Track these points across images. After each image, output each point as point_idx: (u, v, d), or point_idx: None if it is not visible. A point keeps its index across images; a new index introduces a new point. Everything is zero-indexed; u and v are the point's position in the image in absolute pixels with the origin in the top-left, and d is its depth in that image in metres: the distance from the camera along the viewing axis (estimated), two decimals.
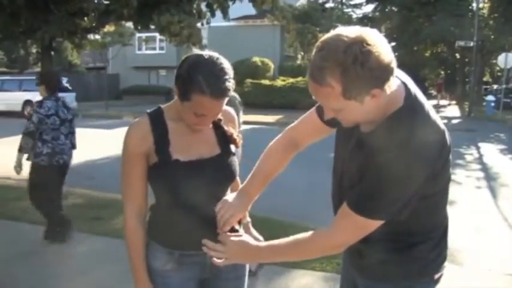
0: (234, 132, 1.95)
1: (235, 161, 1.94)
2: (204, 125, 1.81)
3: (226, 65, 1.74)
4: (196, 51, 1.90)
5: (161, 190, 1.86)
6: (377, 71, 1.35)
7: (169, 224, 1.87)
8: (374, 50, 1.34)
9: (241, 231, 1.85)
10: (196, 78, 1.67)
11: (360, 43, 1.33)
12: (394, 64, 1.40)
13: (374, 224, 1.52)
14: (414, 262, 1.67)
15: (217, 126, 1.92)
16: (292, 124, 1.96)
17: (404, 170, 1.43)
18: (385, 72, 1.38)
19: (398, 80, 1.52)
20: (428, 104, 1.55)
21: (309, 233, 1.64)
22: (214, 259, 1.73)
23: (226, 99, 1.74)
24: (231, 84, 1.72)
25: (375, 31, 1.40)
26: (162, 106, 1.91)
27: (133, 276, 1.88)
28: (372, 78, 1.35)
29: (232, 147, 1.94)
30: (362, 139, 1.56)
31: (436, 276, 1.71)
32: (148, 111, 1.89)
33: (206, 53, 1.76)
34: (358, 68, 1.32)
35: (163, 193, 1.86)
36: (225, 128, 1.93)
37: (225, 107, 1.96)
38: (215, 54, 1.76)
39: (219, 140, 1.91)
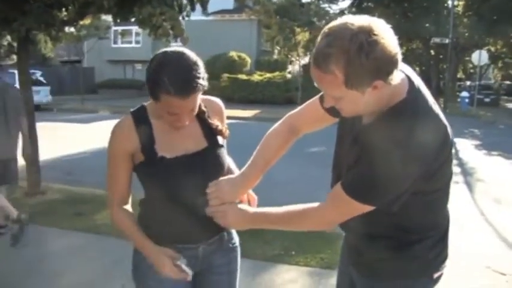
0: (219, 123, 1.92)
1: (224, 152, 1.92)
2: (181, 122, 1.77)
3: (192, 61, 1.70)
4: (175, 45, 1.86)
5: (150, 187, 1.85)
6: (381, 62, 1.33)
7: (159, 219, 1.85)
8: (380, 40, 1.32)
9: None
10: (162, 78, 1.64)
11: (366, 32, 1.32)
12: (399, 57, 1.38)
13: (361, 208, 1.53)
14: (413, 261, 1.67)
15: (202, 119, 1.89)
16: (294, 111, 1.95)
17: (401, 161, 1.41)
18: (390, 64, 1.36)
19: (403, 73, 1.51)
20: (432, 99, 1.54)
21: (303, 206, 1.68)
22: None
23: (197, 95, 1.71)
24: (199, 80, 1.68)
25: (382, 21, 1.38)
26: (145, 104, 1.89)
27: (145, 254, 1.84)
28: (376, 69, 1.34)
29: (220, 139, 1.91)
30: (362, 130, 1.56)
31: (436, 276, 1.70)
32: (132, 110, 1.88)
33: (172, 49, 1.73)
34: (362, 57, 1.31)
35: (152, 190, 1.86)
36: (209, 120, 1.90)
37: (212, 98, 1.97)
38: (181, 51, 1.72)
39: (205, 133, 1.89)
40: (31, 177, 6.34)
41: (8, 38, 7.37)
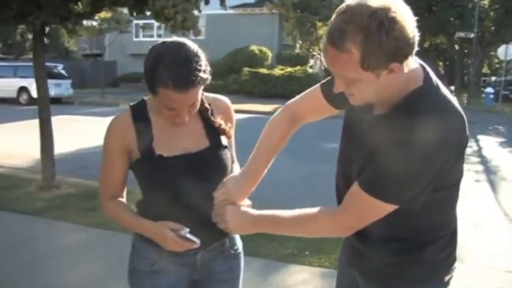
0: (223, 122, 1.80)
1: (227, 154, 1.79)
2: (181, 118, 1.66)
3: (193, 53, 1.59)
4: (192, 39, 1.76)
5: (146, 187, 1.75)
6: (401, 42, 1.25)
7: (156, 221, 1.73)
8: (400, 19, 1.25)
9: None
10: (159, 70, 1.55)
11: (386, 10, 1.24)
12: (416, 40, 1.30)
13: (384, 208, 1.41)
14: (424, 264, 1.56)
15: (205, 117, 1.78)
16: (293, 99, 1.82)
17: (423, 152, 1.31)
18: (408, 46, 1.28)
19: (417, 62, 1.43)
20: (446, 89, 1.44)
21: (316, 210, 1.54)
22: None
23: (197, 89, 1.61)
24: (199, 73, 1.57)
25: (401, 2, 1.29)
26: (146, 98, 1.79)
27: (145, 233, 1.74)
28: (394, 49, 1.25)
29: (224, 140, 1.79)
30: (376, 122, 1.45)
31: (446, 279, 1.60)
32: (132, 104, 1.79)
33: (171, 40, 1.63)
34: (382, 35, 1.23)
35: (148, 190, 1.76)
36: (212, 118, 1.78)
37: (218, 96, 1.86)
38: (181, 41, 1.63)
39: (207, 132, 1.77)
40: (46, 171, 6.33)
41: None
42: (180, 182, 1.68)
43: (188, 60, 1.57)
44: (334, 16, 1.31)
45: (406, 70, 1.32)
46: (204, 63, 1.60)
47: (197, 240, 1.63)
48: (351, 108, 1.55)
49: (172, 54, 1.57)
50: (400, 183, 1.36)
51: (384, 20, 1.23)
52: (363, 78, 1.31)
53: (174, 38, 1.65)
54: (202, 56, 1.62)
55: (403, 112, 1.37)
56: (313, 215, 1.55)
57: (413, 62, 1.36)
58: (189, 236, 1.63)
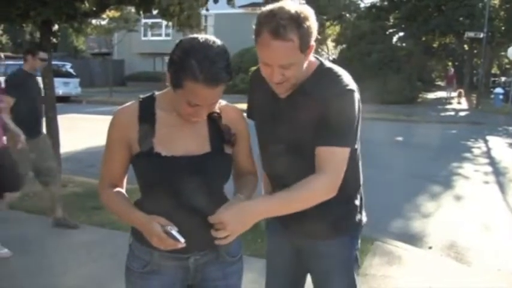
0: (230, 129, 1.75)
1: (228, 162, 1.74)
2: (199, 116, 1.63)
3: (223, 50, 1.57)
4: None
5: (142, 183, 1.73)
6: (315, 24, 1.68)
7: None
8: (309, 11, 1.67)
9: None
10: (189, 63, 1.51)
11: (300, 7, 1.65)
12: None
13: (348, 155, 1.74)
14: (356, 211, 1.96)
15: (212, 121, 1.73)
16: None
17: (351, 101, 1.74)
18: (317, 29, 1.70)
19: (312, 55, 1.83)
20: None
21: (304, 182, 1.68)
22: (222, 241, 1.59)
23: (223, 87, 1.57)
24: (228, 70, 1.55)
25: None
26: (157, 93, 1.76)
27: (137, 226, 1.67)
28: (314, 31, 1.68)
29: (227, 148, 1.74)
30: (298, 99, 1.79)
31: (363, 223, 2.02)
32: (141, 97, 1.75)
33: (202, 36, 1.59)
34: (306, 22, 1.64)
35: (144, 187, 1.74)
36: (220, 123, 1.74)
37: (230, 105, 1.81)
38: (211, 38, 1.59)
39: (211, 137, 1.72)
40: None
41: None
42: (176, 183, 1.64)
43: (220, 56, 1.54)
44: (261, 21, 1.67)
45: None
46: (230, 62, 1.58)
47: (182, 240, 1.55)
48: (254, 110, 2.02)
49: (204, 49, 1.53)
50: (350, 129, 1.73)
51: (302, 11, 1.64)
52: (298, 60, 1.67)
53: (203, 35, 1.60)
54: (229, 54, 1.59)
55: (319, 81, 1.77)
56: (307, 188, 1.69)
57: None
58: (174, 233, 1.55)
